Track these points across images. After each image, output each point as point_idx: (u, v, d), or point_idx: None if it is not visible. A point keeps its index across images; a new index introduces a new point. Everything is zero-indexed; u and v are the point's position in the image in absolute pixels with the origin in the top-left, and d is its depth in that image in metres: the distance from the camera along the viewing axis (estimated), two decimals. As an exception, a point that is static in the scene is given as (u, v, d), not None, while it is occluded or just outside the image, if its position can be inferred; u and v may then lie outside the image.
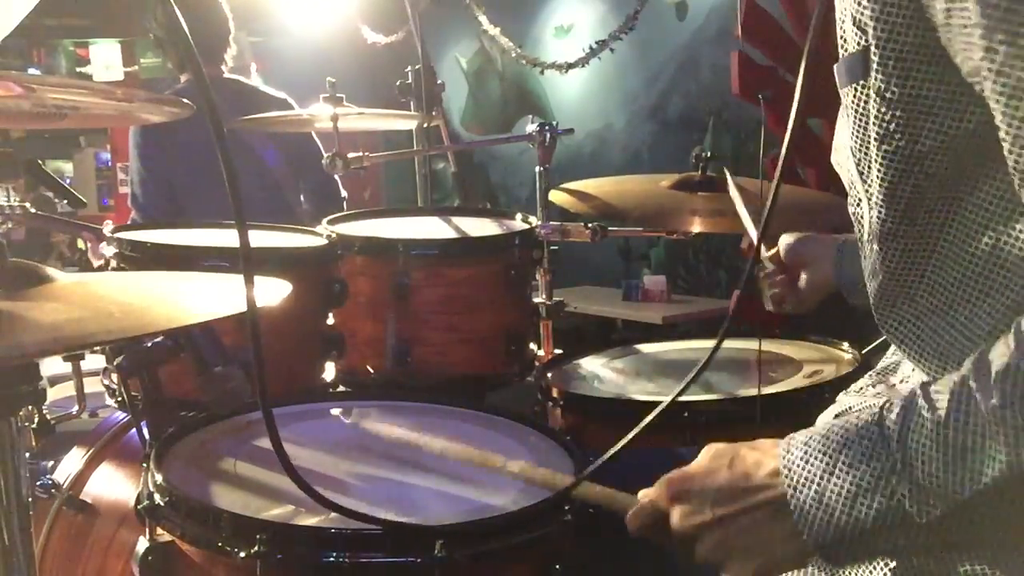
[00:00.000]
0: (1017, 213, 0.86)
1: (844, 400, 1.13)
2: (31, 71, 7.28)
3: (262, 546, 1.03)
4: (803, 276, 1.53)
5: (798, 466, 0.88)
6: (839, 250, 1.47)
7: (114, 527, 1.78)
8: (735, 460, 0.93)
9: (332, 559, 1.04)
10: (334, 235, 1.84)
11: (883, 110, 0.90)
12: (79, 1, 7.14)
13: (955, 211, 0.90)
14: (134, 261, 1.64)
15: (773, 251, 1.58)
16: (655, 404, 1.63)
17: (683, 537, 0.95)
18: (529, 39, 6.52)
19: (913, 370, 1.02)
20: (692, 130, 5.57)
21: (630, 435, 1.06)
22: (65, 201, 3.07)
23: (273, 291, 1.06)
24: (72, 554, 1.81)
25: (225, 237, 1.79)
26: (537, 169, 2.08)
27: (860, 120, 0.93)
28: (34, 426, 1.20)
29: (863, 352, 1.75)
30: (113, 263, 1.67)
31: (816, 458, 0.87)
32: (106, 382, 1.74)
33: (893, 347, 1.05)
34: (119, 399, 1.72)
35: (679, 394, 1.06)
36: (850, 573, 0.96)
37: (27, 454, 1.01)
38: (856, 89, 0.92)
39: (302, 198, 3.24)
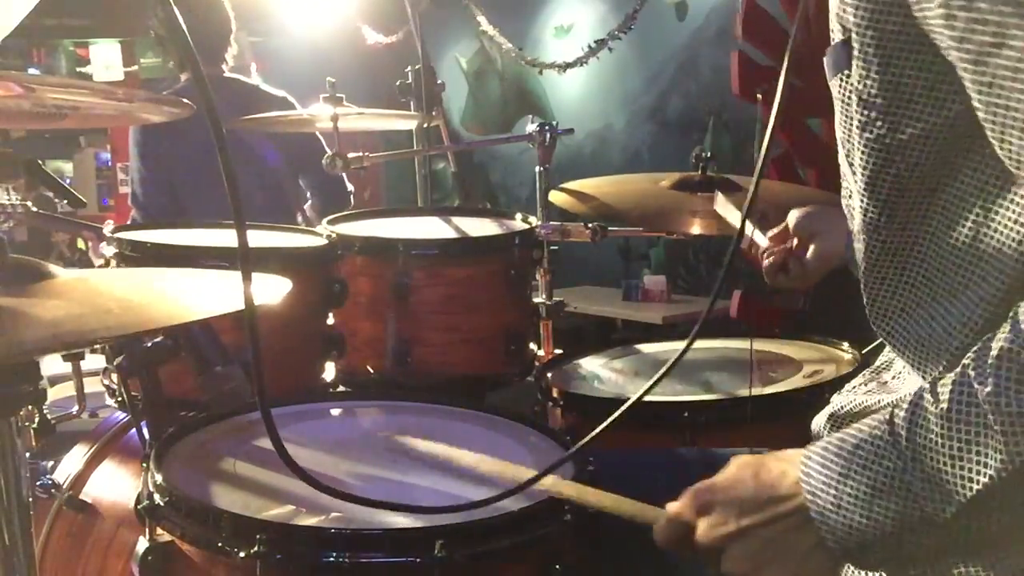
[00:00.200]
0: (996, 205, 0.86)
1: (837, 400, 1.13)
2: (31, 71, 7.28)
3: (262, 546, 1.03)
4: (811, 247, 1.52)
5: (816, 473, 0.87)
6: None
7: (114, 527, 1.78)
8: (760, 471, 0.93)
9: (332, 559, 1.04)
10: (334, 235, 1.84)
11: (864, 98, 0.90)
12: (79, 1, 7.14)
13: (936, 203, 0.90)
14: (134, 261, 1.64)
15: (779, 228, 1.57)
16: (655, 404, 1.65)
17: (709, 549, 0.94)
18: (529, 39, 6.52)
19: (904, 366, 1.02)
20: (692, 130, 5.57)
21: (591, 435, 1.06)
22: (65, 201, 3.07)
23: (273, 289, 1.06)
24: (72, 554, 1.81)
25: (225, 237, 1.79)
26: (537, 169, 2.08)
27: (845, 110, 0.93)
28: (34, 426, 1.20)
29: (863, 352, 1.75)
30: (113, 263, 1.67)
31: (832, 463, 0.86)
32: (106, 382, 1.74)
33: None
34: (119, 399, 1.72)
35: (648, 390, 1.07)
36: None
37: (27, 454, 1.01)
38: (840, 79, 0.92)
39: (309, 195, 3.24)
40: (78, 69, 7.83)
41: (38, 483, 1.86)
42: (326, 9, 5.64)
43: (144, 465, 1.23)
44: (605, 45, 5.72)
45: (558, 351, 2.06)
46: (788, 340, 1.99)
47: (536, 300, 2.03)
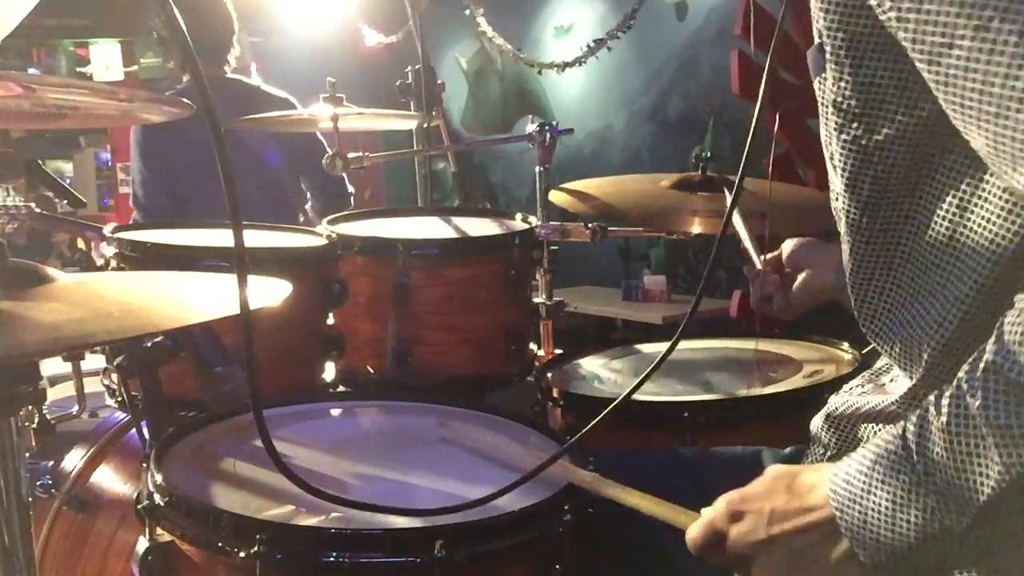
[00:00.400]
0: (972, 204, 0.87)
1: (833, 400, 1.14)
2: (31, 71, 7.28)
3: (262, 546, 1.03)
4: (800, 278, 1.53)
5: (842, 487, 0.88)
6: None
7: (114, 527, 1.78)
8: (794, 482, 0.93)
9: (332, 559, 1.04)
10: (334, 235, 1.84)
11: (839, 100, 0.90)
12: (79, 1, 7.14)
13: (917, 203, 0.91)
14: (134, 261, 1.64)
15: (774, 254, 1.58)
16: (655, 404, 1.65)
17: (739, 556, 0.95)
18: (529, 39, 6.52)
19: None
20: (692, 130, 5.57)
21: (598, 418, 1.06)
22: (65, 201, 3.07)
23: (273, 291, 1.06)
24: (72, 554, 1.81)
25: (225, 237, 1.79)
26: (537, 169, 2.08)
27: (824, 112, 0.94)
28: (34, 426, 1.20)
29: (863, 352, 1.75)
30: (113, 263, 1.67)
31: (856, 478, 0.87)
32: (106, 382, 1.74)
33: None
34: (119, 399, 1.72)
35: (635, 389, 1.08)
36: None
37: (27, 454, 1.01)
38: (819, 82, 0.93)
39: (309, 196, 3.24)
40: (78, 69, 7.82)
41: (38, 483, 1.86)
42: (326, 9, 5.64)
43: (144, 465, 1.24)
44: (604, 45, 5.73)
45: (558, 351, 2.06)
46: (788, 340, 1.99)
47: (536, 300, 2.03)
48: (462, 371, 1.87)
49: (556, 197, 2.05)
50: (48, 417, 1.22)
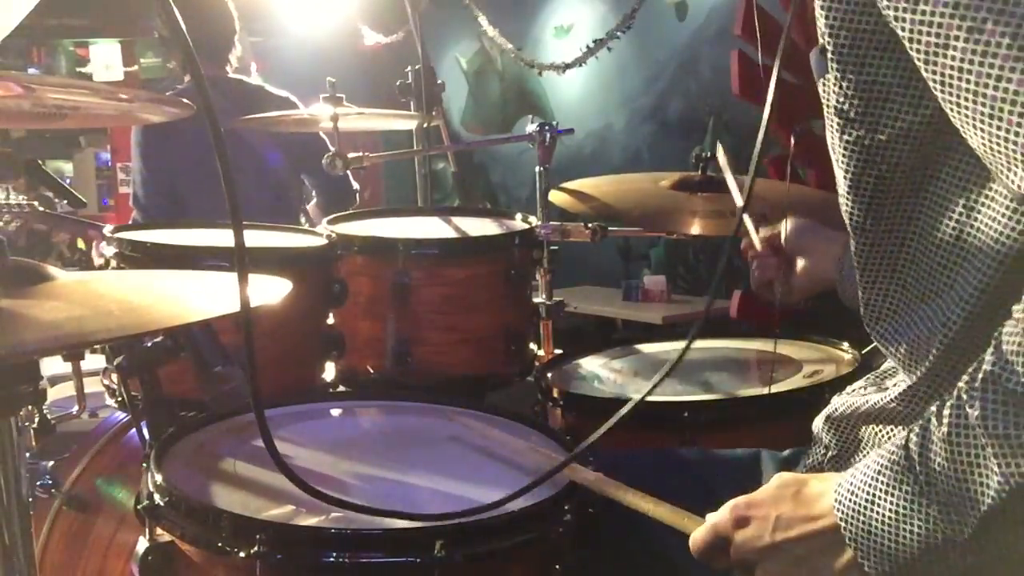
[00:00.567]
0: (976, 203, 0.86)
1: (835, 401, 1.14)
2: (31, 71, 7.28)
3: (262, 546, 1.03)
4: (800, 264, 1.51)
5: (847, 497, 0.88)
6: (845, 247, 1.45)
7: (114, 527, 1.78)
8: (800, 490, 0.93)
9: (332, 559, 1.04)
10: (334, 235, 1.84)
11: (841, 100, 0.90)
12: (79, 1, 7.14)
13: (921, 203, 0.91)
14: (134, 261, 1.64)
15: (774, 231, 1.56)
16: (655, 404, 1.65)
17: (743, 562, 0.95)
18: (529, 39, 6.52)
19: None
20: (692, 130, 5.57)
21: (608, 423, 1.06)
22: (65, 201, 3.07)
23: (273, 290, 1.06)
24: (72, 554, 1.81)
25: (225, 237, 1.79)
26: (537, 169, 2.08)
27: (829, 114, 0.94)
28: (34, 426, 1.20)
29: (863, 352, 1.75)
30: (113, 263, 1.67)
31: (860, 488, 0.87)
32: (106, 382, 1.74)
33: None
34: (119, 399, 1.72)
35: (651, 391, 1.08)
36: None
37: (27, 454, 1.01)
38: (823, 83, 0.93)
39: (314, 194, 3.24)
40: (78, 69, 7.83)
41: (38, 483, 1.86)
42: (326, 9, 5.64)
43: (144, 465, 1.24)
44: (604, 45, 5.73)
45: (558, 351, 2.06)
46: (788, 340, 1.99)
47: (536, 300, 2.03)
48: (462, 371, 1.87)
49: (556, 197, 2.05)
50: (48, 417, 1.22)
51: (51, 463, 1.91)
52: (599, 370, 1.94)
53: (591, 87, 6.21)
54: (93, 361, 1.68)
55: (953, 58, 0.76)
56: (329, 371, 1.83)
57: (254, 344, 0.86)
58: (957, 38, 0.75)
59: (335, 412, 1.57)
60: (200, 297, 1.08)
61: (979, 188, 0.86)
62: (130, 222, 3.00)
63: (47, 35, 7.64)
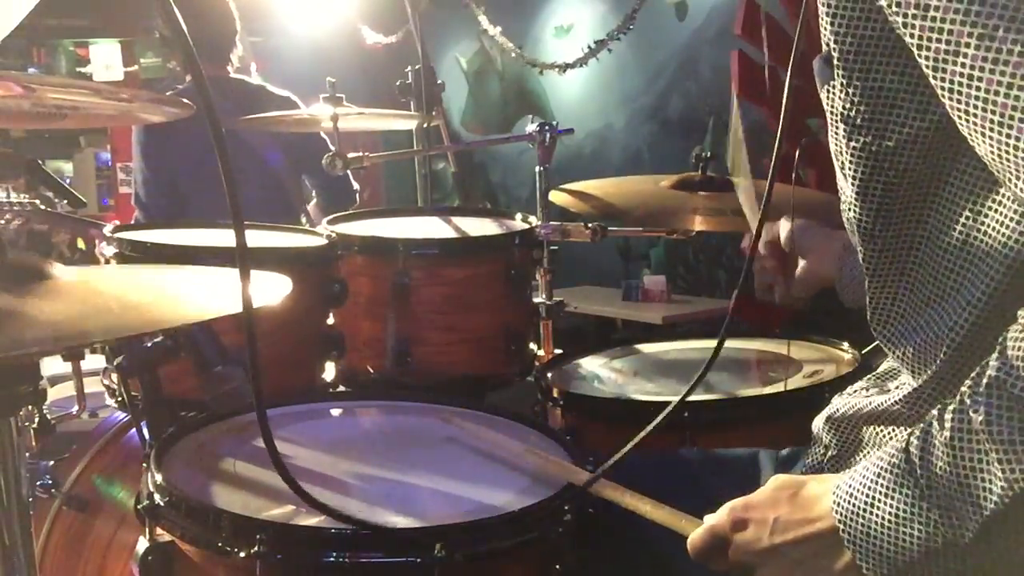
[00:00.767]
0: (985, 207, 0.86)
1: (836, 402, 1.13)
2: (31, 71, 7.28)
3: (262, 546, 1.03)
4: (801, 265, 1.51)
5: (846, 499, 0.88)
6: (846, 247, 1.45)
7: (114, 527, 1.78)
8: (798, 492, 0.93)
9: (332, 559, 1.04)
10: (334, 235, 1.84)
11: (848, 106, 0.89)
12: (79, 1, 7.14)
13: (930, 207, 0.90)
14: (134, 261, 1.64)
15: (772, 233, 1.56)
16: (655, 404, 1.65)
17: (741, 565, 0.95)
18: (529, 39, 6.52)
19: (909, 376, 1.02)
20: (692, 130, 5.57)
21: (641, 435, 1.06)
22: (65, 201, 3.06)
23: (273, 288, 1.06)
24: (72, 554, 1.81)
25: (225, 237, 1.79)
26: (537, 169, 2.08)
27: (833, 120, 0.93)
28: (34, 426, 1.20)
29: (863, 352, 1.75)
30: (113, 263, 1.67)
31: (859, 491, 0.87)
32: (106, 382, 1.74)
33: None
34: (119, 399, 1.72)
35: (687, 394, 1.07)
36: None
37: (27, 454, 1.01)
38: (827, 90, 0.92)
39: (314, 194, 3.24)
40: (78, 69, 7.83)
41: (38, 483, 1.86)
42: (326, 9, 5.64)
43: (144, 465, 1.23)
44: (605, 45, 5.73)
45: (558, 351, 2.06)
46: (788, 340, 1.99)
47: (536, 300, 2.03)
48: (462, 371, 1.87)
49: (556, 197, 2.05)
50: (48, 417, 1.22)
51: (51, 463, 1.91)
52: (599, 370, 1.94)
53: (591, 87, 6.21)
54: (93, 361, 1.68)
55: (963, 65, 0.75)
56: (329, 371, 1.83)
57: (256, 343, 0.86)
58: (968, 45, 0.74)
59: (335, 412, 1.57)
60: (201, 296, 1.08)
61: (987, 193, 0.85)
62: (132, 221, 3.01)
63: (47, 35, 7.64)
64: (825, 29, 0.89)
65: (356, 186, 3.18)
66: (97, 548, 1.78)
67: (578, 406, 1.74)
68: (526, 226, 2.00)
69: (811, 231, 1.51)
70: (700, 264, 5.66)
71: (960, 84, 0.76)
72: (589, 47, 5.83)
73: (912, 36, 0.78)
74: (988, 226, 0.85)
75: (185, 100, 1.18)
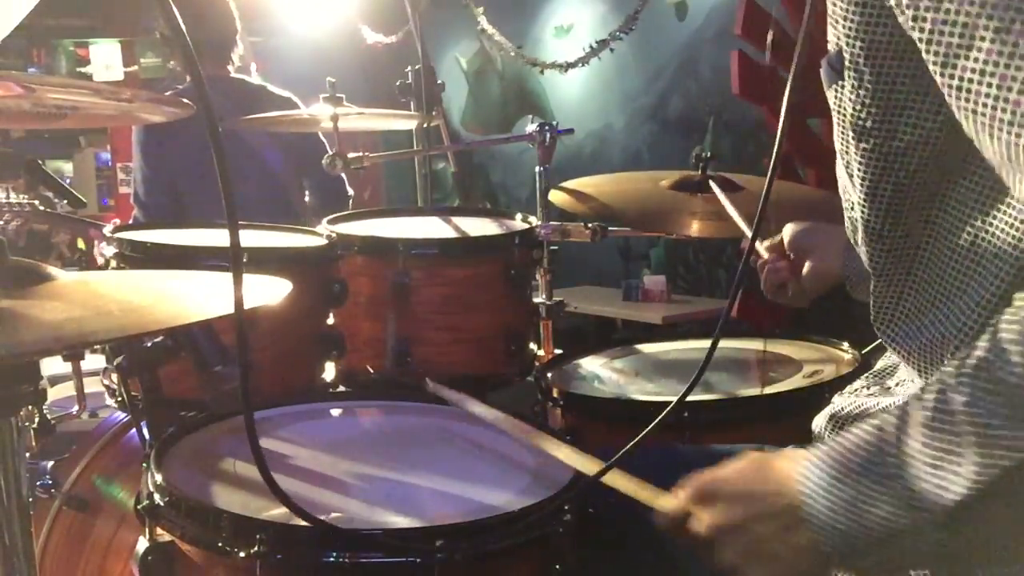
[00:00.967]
0: (995, 208, 0.86)
1: (838, 401, 1.13)
2: (31, 71, 7.28)
3: (262, 546, 1.03)
4: (808, 264, 1.52)
5: (813, 476, 0.87)
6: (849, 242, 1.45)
7: (114, 527, 1.78)
8: (765, 467, 0.93)
9: (332, 559, 1.04)
10: (334, 235, 1.84)
11: (858, 108, 0.89)
12: (79, 1, 7.14)
13: (938, 208, 0.90)
14: (134, 261, 1.64)
15: (775, 239, 1.57)
16: (655, 404, 1.65)
17: (706, 539, 0.95)
18: (529, 39, 6.52)
19: (908, 373, 1.01)
20: (692, 130, 5.57)
21: (643, 433, 1.06)
22: (65, 201, 3.07)
23: (273, 290, 1.06)
24: (72, 554, 1.81)
25: (225, 237, 1.79)
26: (537, 169, 2.08)
27: (840, 121, 0.93)
28: (34, 426, 1.20)
29: (863, 352, 1.75)
30: (113, 263, 1.67)
31: (827, 467, 0.86)
32: (106, 382, 1.74)
33: None
34: (119, 399, 1.72)
35: (686, 394, 1.07)
36: None
37: (27, 454, 1.01)
38: (836, 90, 0.92)
39: (307, 196, 3.24)
40: (78, 69, 7.83)
41: (38, 483, 1.86)
42: (326, 9, 5.64)
43: (144, 465, 1.24)
44: (607, 46, 5.72)
45: (558, 351, 2.06)
46: (788, 340, 1.99)
47: (536, 300, 2.03)
48: (462, 371, 1.87)
49: (556, 197, 2.05)
50: (48, 417, 1.22)
51: (51, 463, 1.91)
52: (599, 370, 1.94)
53: (591, 87, 6.21)
54: (93, 361, 1.68)
55: (976, 60, 0.74)
56: (329, 371, 1.83)
57: (248, 344, 0.86)
58: (983, 39, 0.73)
59: (335, 412, 1.57)
60: (200, 298, 1.08)
61: (998, 194, 0.85)
62: (131, 220, 3.00)
63: (47, 35, 7.65)
64: (836, 31, 0.89)
65: (351, 192, 3.18)
66: (97, 548, 1.78)
67: (578, 406, 1.74)
68: (526, 226, 2.00)
69: (812, 231, 1.52)
70: (700, 264, 5.66)
71: (971, 80, 0.75)
72: (591, 47, 5.82)
73: (923, 31, 0.77)
74: (998, 227, 0.85)
75: (185, 100, 1.18)
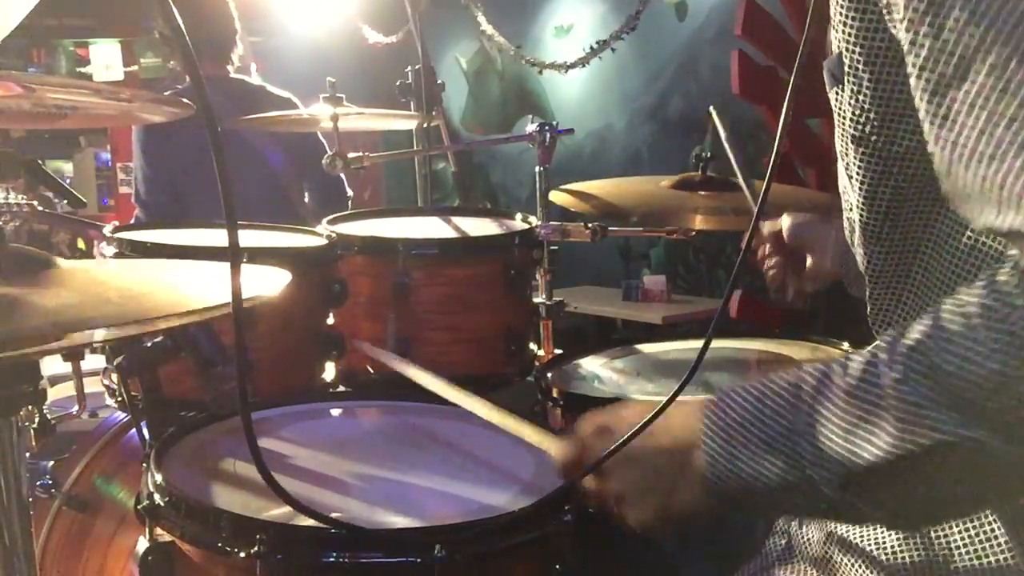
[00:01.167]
0: None
1: None
2: (31, 71, 7.28)
3: (262, 546, 1.03)
4: (809, 260, 1.51)
5: (719, 415, 0.87)
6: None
7: (114, 527, 1.78)
8: (670, 408, 0.93)
9: (332, 559, 1.04)
10: (334, 235, 1.84)
11: (857, 112, 0.89)
12: (79, 1, 7.14)
13: (938, 211, 0.90)
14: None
15: (775, 227, 1.56)
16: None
17: (599, 471, 0.96)
18: (529, 39, 6.52)
19: None
20: (692, 130, 5.56)
21: (635, 430, 1.06)
22: (65, 201, 3.06)
23: (272, 280, 1.06)
24: (72, 554, 1.81)
25: (224, 237, 1.79)
26: (537, 169, 2.08)
27: (840, 123, 0.93)
28: (34, 426, 1.20)
29: (863, 352, 1.75)
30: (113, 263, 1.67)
31: (734, 409, 0.86)
32: (106, 382, 1.74)
33: None
34: (119, 399, 1.72)
35: (678, 391, 1.06)
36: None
37: (27, 454, 1.01)
38: (836, 92, 0.92)
39: (306, 196, 3.24)
40: (78, 69, 7.83)
41: (38, 483, 1.86)
42: (326, 9, 5.64)
43: (144, 465, 1.24)
44: (608, 46, 5.72)
45: (558, 351, 2.06)
46: (788, 340, 1.99)
47: (536, 300, 2.03)
48: (462, 371, 1.86)
49: (556, 197, 2.05)
50: (48, 417, 1.22)
51: (51, 463, 1.91)
52: (599, 370, 1.94)
53: (591, 87, 6.21)
54: (93, 361, 1.68)
55: (967, 92, 0.73)
56: (329, 371, 1.83)
57: (245, 341, 0.86)
58: (979, 72, 0.72)
59: (335, 412, 1.57)
60: (201, 288, 1.08)
61: None
62: (132, 220, 3.01)
63: (47, 35, 7.65)
64: (836, 37, 0.89)
65: (350, 192, 3.18)
66: (97, 548, 1.78)
67: (578, 406, 1.73)
68: (526, 226, 2.00)
69: (811, 226, 1.52)
70: (700, 264, 5.66)
71: (959, 112, 0.74)
72: (591, 47, 5.82)
73: (918, 56, 0.77)
74: None
75: (185, 100, 1.18)
